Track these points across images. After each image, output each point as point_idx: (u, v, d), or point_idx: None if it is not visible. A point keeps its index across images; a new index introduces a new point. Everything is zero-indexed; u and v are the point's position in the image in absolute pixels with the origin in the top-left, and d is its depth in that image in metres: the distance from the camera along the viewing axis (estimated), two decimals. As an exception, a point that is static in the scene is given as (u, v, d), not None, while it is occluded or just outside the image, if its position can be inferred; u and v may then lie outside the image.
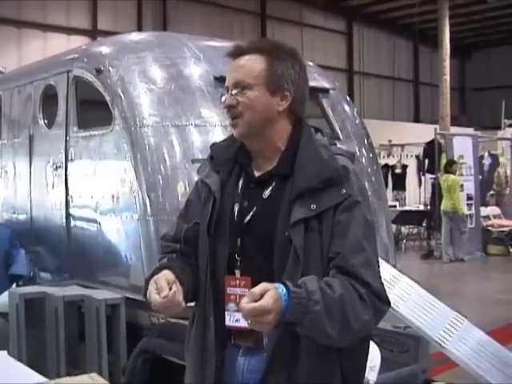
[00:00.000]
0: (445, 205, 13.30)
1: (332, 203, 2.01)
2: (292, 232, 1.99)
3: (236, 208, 2.13)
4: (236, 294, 1.96)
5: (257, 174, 2.16)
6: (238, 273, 2.08)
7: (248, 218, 2.10)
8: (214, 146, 2.32)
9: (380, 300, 1.99)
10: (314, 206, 2.00)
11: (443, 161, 14.20)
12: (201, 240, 2.18)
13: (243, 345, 2.08)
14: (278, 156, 2.13)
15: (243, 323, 1.91)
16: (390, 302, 2.04)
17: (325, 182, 2.01)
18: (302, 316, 1.84)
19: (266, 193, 2.11)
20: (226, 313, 1.98)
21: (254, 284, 1.90)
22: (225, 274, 2.07)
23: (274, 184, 2.11)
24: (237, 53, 2.12)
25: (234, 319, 1.95)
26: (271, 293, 1.80)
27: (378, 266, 2.07)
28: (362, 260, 1.99)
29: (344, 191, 2.01)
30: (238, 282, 1.97)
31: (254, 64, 2.08)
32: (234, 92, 2.09)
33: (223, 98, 2.14)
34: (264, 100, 2.08)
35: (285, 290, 1.84)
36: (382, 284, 2.04)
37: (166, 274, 2.02)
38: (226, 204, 2.15)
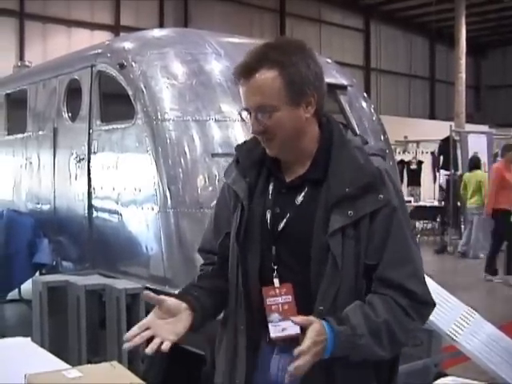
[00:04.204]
0: (476, 201, 13.27)
1: (370, 209, 1.93)
2: (331, 240, 1.92)
3: (268, 215, 2.04)
4: (278, 303, 1.92)
5: (287, 178, 2.06)
6: (276, 281, 1.99)
7: (282, 225, 2.01)
8: (239, 148, 2.19)
9: (425, 305, 1.98)
10: (351, 213, 1.92)
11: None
12: (231, 249, 2.10)
13: (279, 343, 2.00)
14: (309, 160, 2.03)
15: (291, 331, 1.89)
16: (435, 303, 2.01)
17: (363, 188, 1.93)
18: (350, 351, 1.86)
19: (299, 199, 2.02)
20: (270, 324, 1.92)
21: (294, 292, 1.93)
22: (256, 282, 2.02)
23: (306, 189, 2.02)
24: (247, 71, 1.94)
25: (281, 329, 1.90)
26: (316, 328, 1.82)
27: (422, 268, 2.02)
28: (408, 270, 1.95)
29: (381, 196, 1.94)
30: (278, 290, 1.93)
31: (270, 82, 1.91)
32: (259, 117, 1.95)
33: (246, 119, 2.00)
34: (292, 116, 1.95)
35: (328, 327, 1.84)
36: (427, 286, 1.99)
37: (171, 301, 1.96)
38: (256, 211, 2.06)
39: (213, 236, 2.21)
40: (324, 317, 1.88)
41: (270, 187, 2.08)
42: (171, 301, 1.96)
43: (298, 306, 1.93)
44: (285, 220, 2.01)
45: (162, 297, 1.96)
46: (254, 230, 2.05)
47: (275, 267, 2.01)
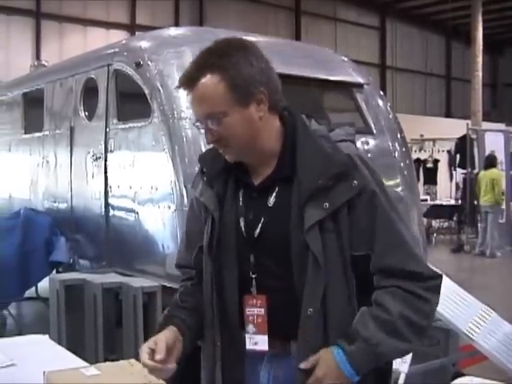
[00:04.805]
0: (489, 199, 13.25)
1: (346, 198, 1.85)
2: (308, 237, 1.84)
3: (242, 222, 1.96)
4: (254, 314, 1.90)
5: (256, 181, 1.98)
6: (253, 291, 1.93)
7: (258, 230, 1.94)
8: (202, 158, 2.09)
9: (433, 279, 1.91)
10: (326, 205, 1.84)
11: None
12: (204, 263, 2.02)
13: (269, 351, 1.95)
14: (275, 158, 1.95)
15: (261, 346, 1.89)
16: (441, 274, 1.94)
17: (334, 177, 1.85)
18: (375, 361, 1.84)
19: (271, 200, 1.94)
20: (247, 335, 1.90)
21: (273, 300, 1.90)
22: (234, 295, 1.95)
23: (277, 189, 1.94)
24: (189, 82, 1.87)
25: (253, 342, 1.90)
26: (325, 362, 1.82)
27: (415, 246, 1.95)
28: (405, 253, 1.89)
29: (356, 182, 1.86)
30: (255, 301, 1.91)
31: (213, 89, 1.84)
32: (209, 125, 1.88)
33: (200, 130, 1.94)
34: (243, 118, 1.87)
35: (339, 351, 1.82)
36: (425, 262, 1.94)
37: (167, 337, 1.90)
38: (228, 220, 1.97)
39: (187, 251, 2.12)
40: (335, 341, 1.84)
41: (240, 193, 1.99)
42: (167, 339, 1.90)
43: (282, 311, 1.90)
44: (260, 225, 1.94)
45: (160, 345, 1.87)
46: (228, 240, 1.97)
47: (253, 276, 1.94)
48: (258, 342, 1.89)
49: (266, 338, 1.91)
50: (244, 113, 1.87)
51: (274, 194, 1.94)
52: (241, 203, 1.98)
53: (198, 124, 1.94)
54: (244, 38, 2.00)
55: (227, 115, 1.85)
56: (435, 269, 1.95)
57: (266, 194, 1.95)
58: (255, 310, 1.90)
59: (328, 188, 1.85)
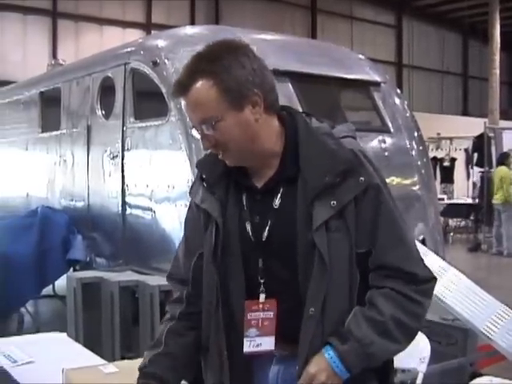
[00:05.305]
0: (500, 197, 13.20)
1: (353, 194, 1.83)
2: (316, 236, 1.81)
3: (248, 226, 1.91)
4: (258, 318, 1.87)
5: (258, 184, 1.93)
6: (262, 297, 1.89)
7: (265, 234, 1.89)
8: (201, 163, 2.04)
9: (427, 282, 1.91)
10: (334, 203, 1.82)
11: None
12: (205, 272, 1.96)
13: (276, 355, 1.94)
14: (277, 159, 1.91)
15: (265, 346, 1.87)
16: (435, 277, 1.93)
17: (341, 173, 1.82)
18: (366, 361, 1.83)
19: (276, 202, 1.90)
20: (245, 339, 1.87)
21: (280, 304, 1.88)
22: (242, 301, 1.90)
23: (281, 190, 1.90)
24: (182, 89, 1.85)
25: (255, 344, 1.87)
26: (316, 360, 1.81)
27: (415, 244, 1.94)
28: (404, 252, 1.88)
29: (362, 179, 1.83)
30: (261, 306, 1.87)
31: (206, 94, 1.81)
32: (205, 131, 1.84)
33: (198, 136, 1.91)
34: (238, 122, 1.83)
35: (331, 350, 1.81)
36: (423, 262, 1.92)
37: None
38: (232, 225, 1.92)
39: (185, 260, 2.05)
40: (327, 340, 1.83)
41: (243, 197, 1.94)
42: None
43: (290, 315, 1.88)
44: (267, 228, 1.89)
45: None
46: (233, 246, 1.92)
47: (262, 281, 1.90)
48: (261, 343, 1.87)
49: (272, 338, 1.90)
50: (239, 116, 1.83)
51: (279, 196, 1.90)
52: (245, 207, 1.93)
53: (194, 131, 1.92)
54: (239, 38, 1.96)
55: (222, 120, 1.82)
56: (431, 271, 1.93)
57: (271, 196, 1.91)
58: (260, 314, 1.87)
59: (335, 185, 1.82)
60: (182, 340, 2.01)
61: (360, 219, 1.85)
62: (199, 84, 1.81)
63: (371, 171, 1.88)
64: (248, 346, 1.87)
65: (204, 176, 1.99)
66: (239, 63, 1.82)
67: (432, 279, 1.92)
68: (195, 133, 1.93)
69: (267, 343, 1.87)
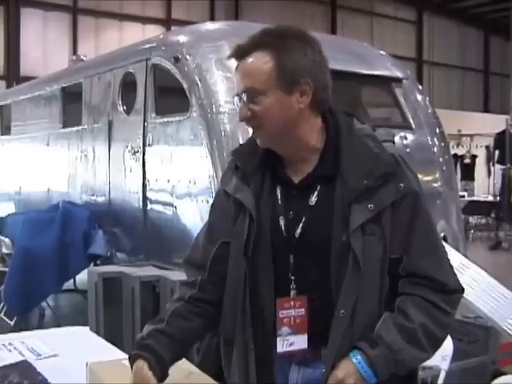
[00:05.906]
0: None
1: (391, 199, 1.82)
2: (352, 239, 1.80)
3: (282, 222, 1.89)
4: (290, 316, 1.85)
5: (295, 179, 1.92)
6: (293, 293, 1.88)
7: (299, 230, 1.87)
8: (237, 153, 2.03)
9: (456, 293, 1.92)
10: (371, 206, 1.80)
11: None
12: (233, 264, 1.94)
13: (299, 355, 1.92)
14: (316, 156, 1.90)
15: (298, 345, 1.85)
16: (463, 289, 1.93)
17: (382, 177, 1.81)
18: (394, 368, 1.82)
19: (313, 199, 1.88)
20: (279, 338, 1.85)
21: (310, 302, 1.86)
22: (271, 296, 1.88)
23: (319, 188, 1.88)
24: (239, 53, 1.87)
25: (288, 343, 1.85)
26: (344, 365, 1.80)
27: (447, 254, 1.93)
28: (437, 260, 1.88)
29: (402, 185, 1.83)
30: (292, 303, 1.85)
31: (260, 65, 1.82)
32: (246, 101, 1.85)
33: (236, 105, 1.90)
34: (281, 103, 1.83)
35: (359, 355, 1.80)
36: (454, 273, 1.92)
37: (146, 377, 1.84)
38: (265, 220, 1.89)
39: (206, 246, 2.02)
40: (356, 344, 1.82)
41: (278, 191, 1.92)
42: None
43: (318, 315, 1.87)
44: (301, 224, 1.87)
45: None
46: (265, 240, 1.89)
47: (293, 277, 1.88)
48: (294, 342, 1.85)
49: (305, 337, 1.88)
50: (284, 98, 1.83)
51: (316, 193, 1.88)
52: (280, 202, 1.91)
53: (235, 99, 1.91)
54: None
55: (267, 95, 1.83)
56: (460, 282, 1.94)
57: (307, 193, 1.89)
58: (292, 311, 1.85)
59: (374, 189, 1.81)
60: (184, 324, 1.97)
61: (395, 225, 1.83)
62: (258, 54, 1.83)
63: (410, 177, 1.88)
64: (282, 346, 1.85)
65: (240, 166, 1.97)
66: (302, 51, 1.84)
67: (461, 290, 1.94)
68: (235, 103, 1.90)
69: (300, 342, 1.86)
